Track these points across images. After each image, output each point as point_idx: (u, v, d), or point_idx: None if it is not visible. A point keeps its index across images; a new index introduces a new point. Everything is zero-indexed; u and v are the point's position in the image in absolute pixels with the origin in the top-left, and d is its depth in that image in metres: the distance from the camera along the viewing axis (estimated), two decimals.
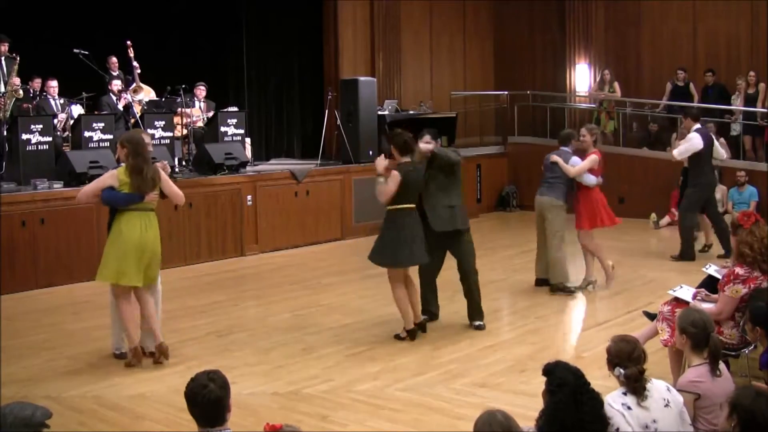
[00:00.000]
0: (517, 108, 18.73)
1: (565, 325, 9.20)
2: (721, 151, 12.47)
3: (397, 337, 8.30)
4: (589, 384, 4.10)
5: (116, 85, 13.36)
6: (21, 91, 12.34)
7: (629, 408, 4.35)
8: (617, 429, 4.20)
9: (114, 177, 7.47)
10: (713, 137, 12.36)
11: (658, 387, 4.53)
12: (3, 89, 12.19)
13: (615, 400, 4.34)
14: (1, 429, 3.45)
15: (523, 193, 17.58)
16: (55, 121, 12.56)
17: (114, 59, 13.75)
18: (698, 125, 12.02)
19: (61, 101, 12.93)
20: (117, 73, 13.69)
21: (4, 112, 12.10)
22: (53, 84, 12.87)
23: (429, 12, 19.15)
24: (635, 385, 4.42)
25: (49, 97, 12.88)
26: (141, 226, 7.44)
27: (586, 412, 4.00)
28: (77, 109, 12.99)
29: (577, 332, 9.06)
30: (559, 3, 19.05)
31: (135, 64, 13.54)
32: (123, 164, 7.53)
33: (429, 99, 18.36)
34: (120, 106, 13.25)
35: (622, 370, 4.45)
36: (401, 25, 18.23)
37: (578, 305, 9.93)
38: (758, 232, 6.22)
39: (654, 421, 4.38)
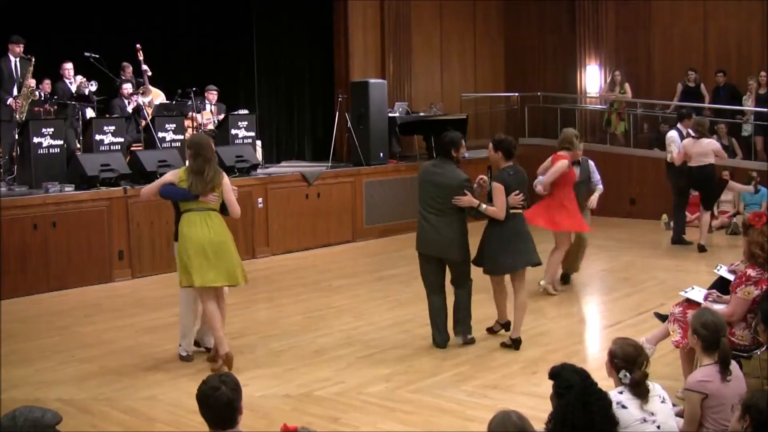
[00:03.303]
0: (527, 109, 18.70)
1: (576, 326, 9.18)
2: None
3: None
4: (596, 385, 4.11)
5: (126, 88, 13.40)
6: (37, 93, 12.40)
7: (624, 407, 4.41)
8: None
9: (175, 174, 7.62)
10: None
11: (654, 387, 4.59)
12: (17, 91, 12.25)
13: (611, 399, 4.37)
14: (12, 430, 3.46)
15: (534, 194, 17.50)
16: (74, 88, 12.85)
17: (129, 68, 13.79)
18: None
19: (77, 81, 12.92)
20: (128, 77, 13.73)
21: (20, 114, 12.15)
22: (68, 66, 12.94)
23: (439, 14, 19.15)
24: (639, 390, 4.46)
25: (65, 79, 12.94)
26: (202, 223, 7.49)
27: (595, 413, 4.01)
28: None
29: (589, 333, 9.06)
30: (570, 4, 19.03)
31: (145, 67, 13.57)
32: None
33: (439, 101, 18.34)
34: (129, 109, 13.31)
35: (628, 374, 4.48)
36: (411, 27, 18.23)
37: (589, 306, 9.92)
38: None
39: (652, 414, 4.46)
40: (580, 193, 10.21)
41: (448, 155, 8.03)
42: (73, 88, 12.96)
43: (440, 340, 8.08)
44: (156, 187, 7.70)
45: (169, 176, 7.66)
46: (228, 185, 7.69)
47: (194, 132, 13.71)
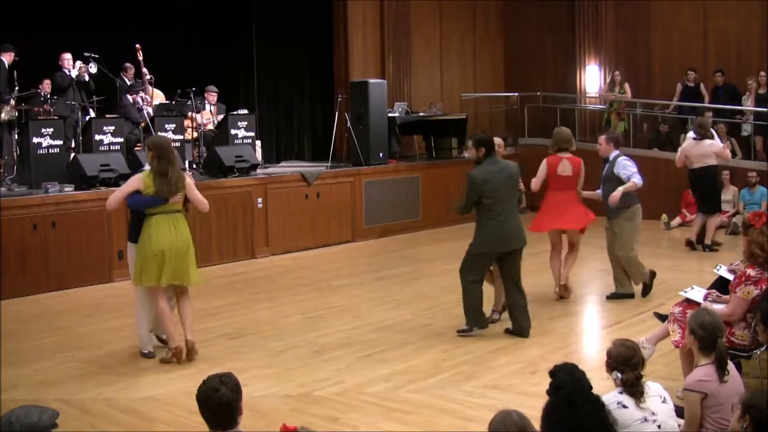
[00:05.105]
0: (527, 109, 18.71)
1: (577, 326, 9.18)
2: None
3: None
4: (588, 388, 4.09)
5: (133, 92, 13.38)
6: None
7: (625, 407, 4.44)
8: None
9: (140, 180, 7.59)
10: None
11: (654, 387, 4.62)
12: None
13: (610, 400, 4.41)
14: None
15: (534, 194, 17.48)
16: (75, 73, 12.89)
17: (132, 69, 13.77)
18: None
19: (76, 69, 12.91)
20: (131, 82, 13.70)
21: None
22: (67, 56, 12.93)
23: (439, 13, 19.14)
24: (632, 390, 4.50)
25: (64, 69, 12.92)
26: (170, 227, 7.55)
27: (583, 416, 4.00)
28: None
29: (589, 333, 9.07)
30: (570, 4, 19.04)
31: (144, 69, 13.53)
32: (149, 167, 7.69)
33: (439, 101, 18.32)
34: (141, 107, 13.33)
35: (619, 375, 4.54)
36: (411, 26, 18.23)
37: (589, 306, 9.91)
38: None
39: (653, 414, 4.48)
40: (607, 190, 9.80)
41: (494, 151, 8.51)
42: (74, 74, 12.93)
43: (485, 323, 8.53)
44: (121, 196, 7.65)
45: (135, 183, 7.60)
46: (190, 184, 7.76)
47: (193, 131, 13.72)
